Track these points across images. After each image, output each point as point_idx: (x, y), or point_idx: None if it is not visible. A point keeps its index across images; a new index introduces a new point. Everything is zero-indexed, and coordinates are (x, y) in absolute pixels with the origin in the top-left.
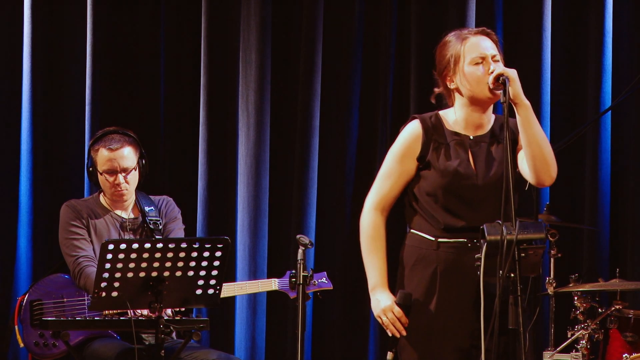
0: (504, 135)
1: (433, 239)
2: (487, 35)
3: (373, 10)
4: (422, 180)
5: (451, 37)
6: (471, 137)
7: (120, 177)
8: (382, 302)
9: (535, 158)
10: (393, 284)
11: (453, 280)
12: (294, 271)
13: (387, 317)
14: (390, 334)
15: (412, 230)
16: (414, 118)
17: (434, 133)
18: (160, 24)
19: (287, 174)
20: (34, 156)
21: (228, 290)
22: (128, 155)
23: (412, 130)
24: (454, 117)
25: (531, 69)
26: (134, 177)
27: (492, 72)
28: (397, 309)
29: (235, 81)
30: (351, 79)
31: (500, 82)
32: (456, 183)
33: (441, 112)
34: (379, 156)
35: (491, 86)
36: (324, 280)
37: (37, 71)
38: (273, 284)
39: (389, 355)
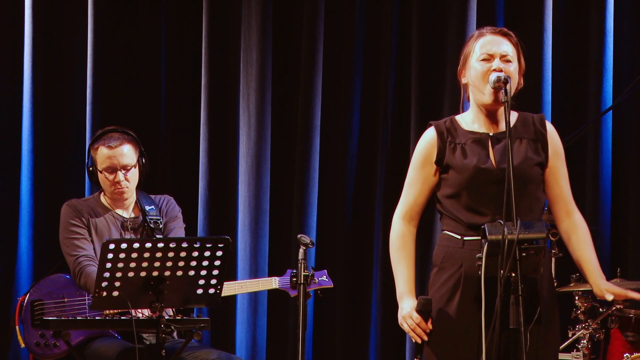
0: (527, 135)
1: (459, 237)
2: (505, 35)
3: (374, 9)
4: (444, 184)
5: (473, 33)
6: (490, 134)
7: (120, 174)
8: (404, 309)
9: None
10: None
11: (477, 277)
12: (294, 270)
13: (407, 324)
14: (414, 341)
15: (443, 231)
16: (430, 125)
17: (449, 135)
18: (162, 23)
19: (288, 173)
20: (34, 156)
21: (229, 289)
22: (128, 153)
23: (426, 137)
24: (469, 117)
25: (532, 68)
26: (134, 175)
27: (494, 70)
28: (415, 315)
29: (236, 81)
30: (352, 78)
31: (502, 81)
32: (476, 179)
33: (457, 116)
34: (380, 156)
35: (492, 85)
36: (324, 278)
37: (38, 71)
38: (273, 283)
39: None
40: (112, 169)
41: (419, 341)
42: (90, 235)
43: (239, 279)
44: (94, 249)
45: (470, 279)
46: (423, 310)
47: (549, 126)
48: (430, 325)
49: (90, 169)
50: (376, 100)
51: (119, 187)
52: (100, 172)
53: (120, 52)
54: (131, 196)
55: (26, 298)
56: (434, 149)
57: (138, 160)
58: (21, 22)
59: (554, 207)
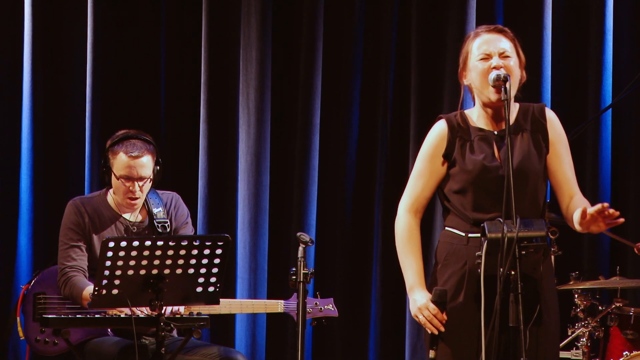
0: (528, 127)
1: (463, 234)
2: (501, 32)
3: (374, 7)
4: (451, 179)
5: (469, 34)
6: (495, 133)
7: (136, 185)
8: (418, 301)
9: None
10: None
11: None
12: (294, 269)
13: (424, 315)
14: (429, 332)
15: (446, 227)
16: (440, 118)
17: (459, 130)
18: (161, 21)
19: (288, 171)
20: (34, 153)
21: (234, 307)
22: (147, 164)
23: (437, 129)
24: (476, 113)
25: (532, 67)
26: (147, 186)
27: (494, 68)
28: (432, 306)
29: (235, 78)
30: (352, 76)
31: (502, 79)
32: (483, 176)
33: (466, 111)
34: (380, 154)
35: (491, 83)
36: (330, 307)
37: (38, 68)
38: (279, 307)
39: (431, 353)
40: (130, 178)
41: (436, 332)
42: (91, 238)
43: (239, 276)
44: (95, 251)
45: (474, 276)
46: (439, 301)
47: (549, 114)
48: (445, 317)
49: (104, 169)
50: (376, 98)
51: (132, 196)
52: (117, 178)
53: (119, 51)
54: (141, 204)
55: (29, 287)
56: (443, 141)
57: (153, 170)
58: (21, 20)
59: (558, 192)
